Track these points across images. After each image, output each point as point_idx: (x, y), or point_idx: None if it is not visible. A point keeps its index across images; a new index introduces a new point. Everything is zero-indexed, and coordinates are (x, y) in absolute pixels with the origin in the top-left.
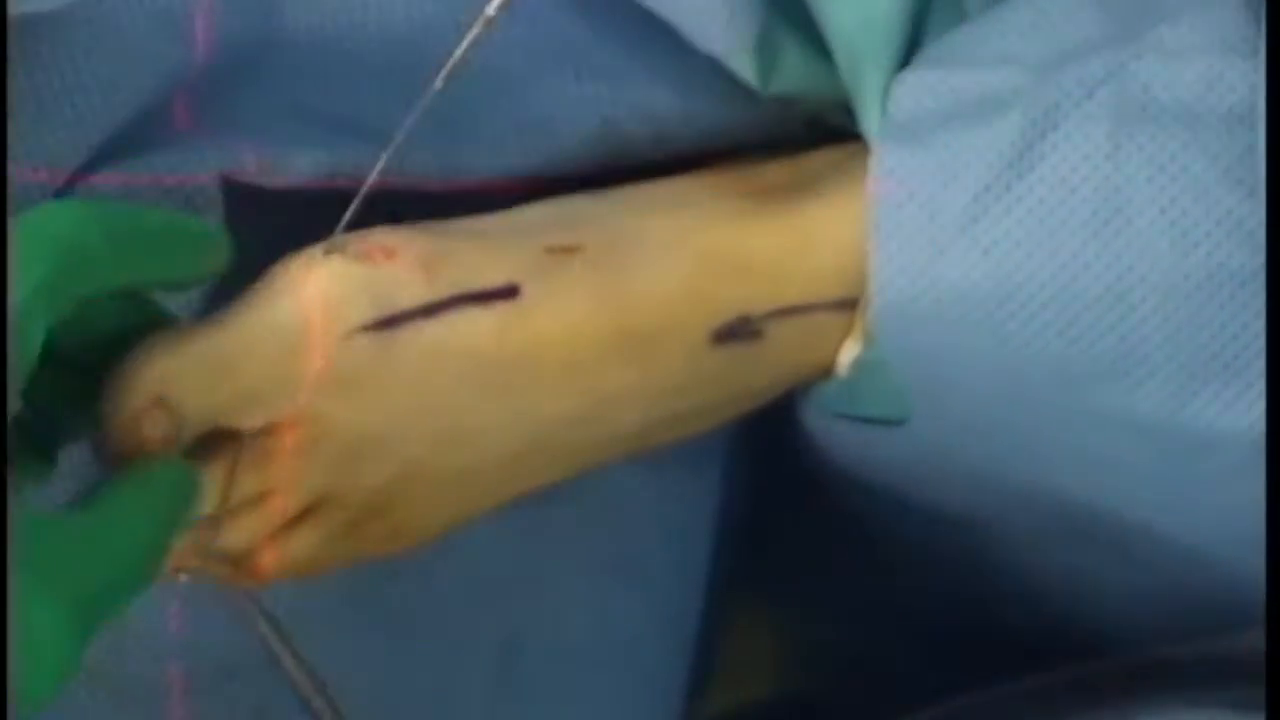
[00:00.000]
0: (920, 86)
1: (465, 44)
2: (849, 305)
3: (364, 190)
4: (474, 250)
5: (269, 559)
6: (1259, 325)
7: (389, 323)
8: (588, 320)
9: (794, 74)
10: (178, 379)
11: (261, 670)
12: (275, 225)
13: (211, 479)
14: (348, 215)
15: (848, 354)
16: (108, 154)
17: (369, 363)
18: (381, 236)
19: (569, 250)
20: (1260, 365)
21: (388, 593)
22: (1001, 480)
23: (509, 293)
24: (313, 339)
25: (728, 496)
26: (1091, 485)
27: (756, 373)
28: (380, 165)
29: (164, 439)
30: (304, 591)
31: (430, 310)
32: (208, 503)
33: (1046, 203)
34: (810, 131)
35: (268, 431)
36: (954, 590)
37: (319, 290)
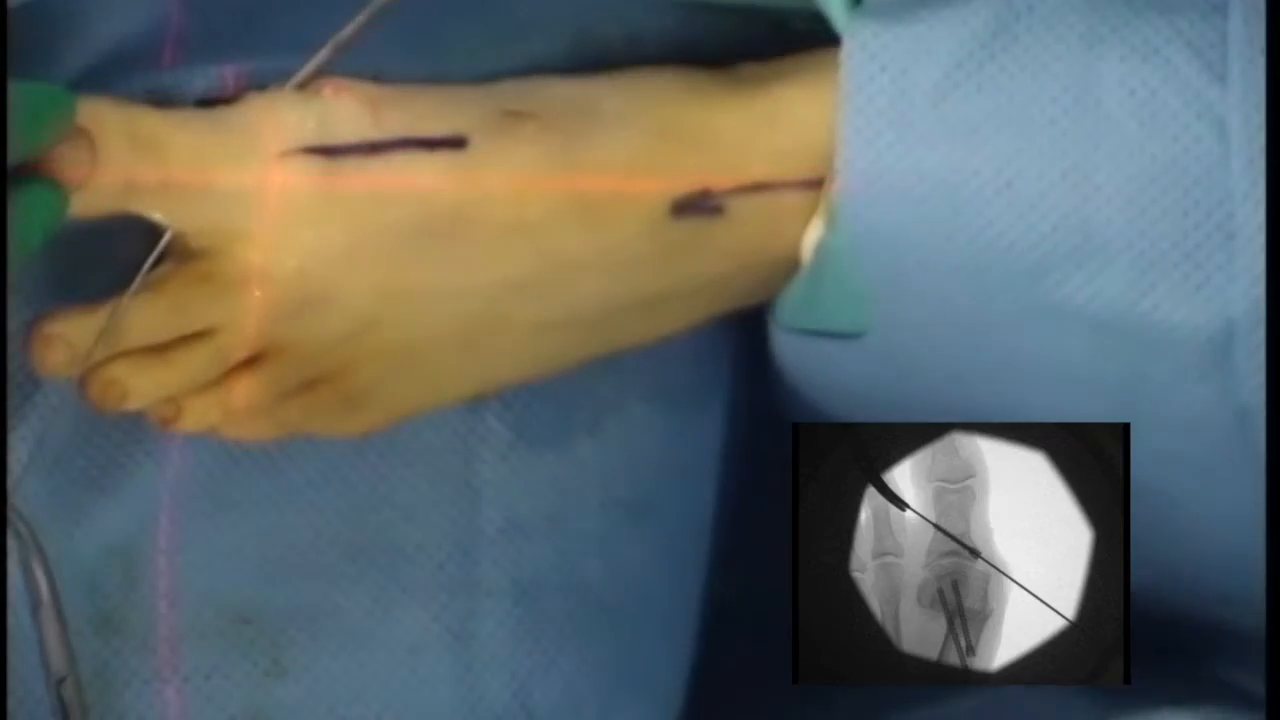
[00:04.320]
0: None
1: None
2: (815, 185)
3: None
4: (425, 101)
5: (213, 403)
6: (1221, 214)
7: (331, 151)
8: (538, 179)
9: None
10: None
11: (280, 617)
12: None
13: (159, 307)
14: (301, 76)
15: (811, 236)
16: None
17: (310, 190)
18: (335, 79)
19: (524, 115)
20: (1220, 258)
21: (404, 534)
22: (960, 399)
23: (456, 142)
24: (253, 149)
25: (731, 434)
26: (1046, 398)
27: (719, 252)
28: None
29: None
30: (320, 535)
31: (374, 148)
32: (157, 331)
33: (1017, 80)
34: (778, 38)
35: (212, 255)
36: None
37: (264, 110)
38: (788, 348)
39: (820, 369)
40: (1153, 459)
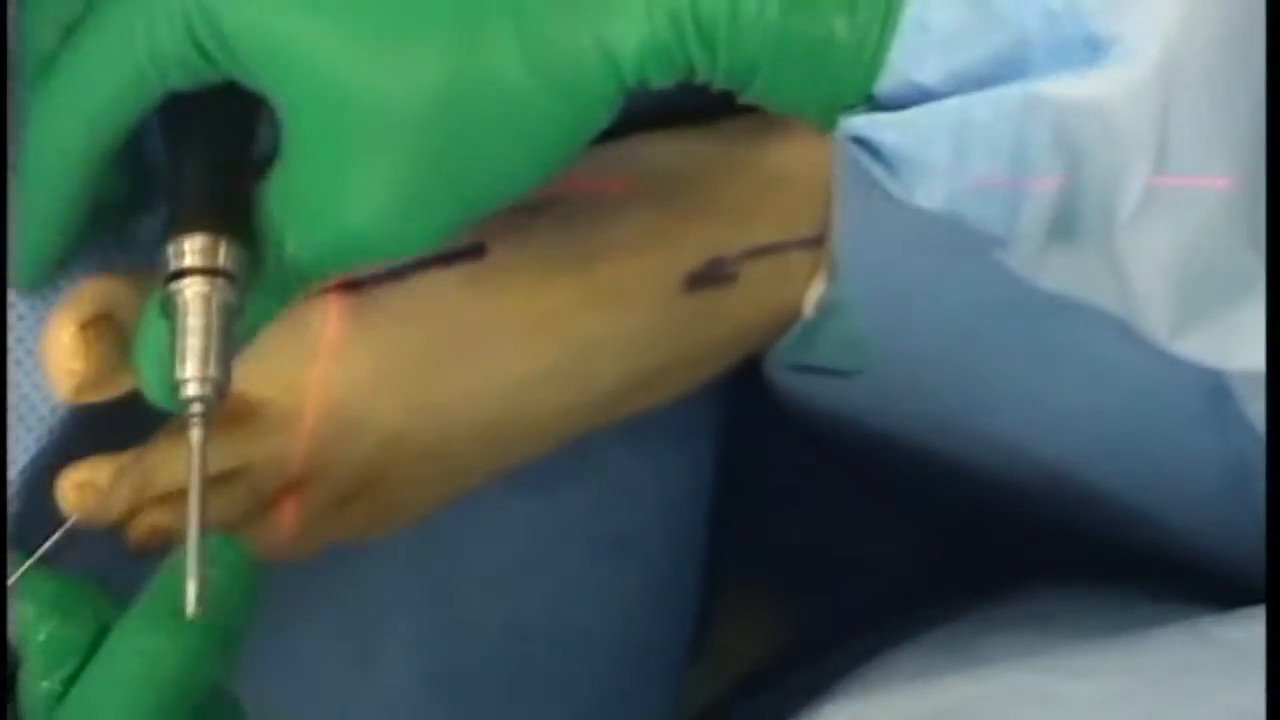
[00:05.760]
0: None
1: None
2: (818, 243)
3: None
4: None
5: (249, 535)
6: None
7: (354, 286)
8: (555, 273)
9: None
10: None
11: (260, 666)
12: None
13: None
14: None
15: (814, 291)
16: None
17: (338, 328)
18: None
19: (531, 209)
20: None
21: (387, 578)
22: (954, 433)
23: (475, 252)
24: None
25: (716, 471)
26: (1042, 436)
27: (732, 317)
28: None
29: None
30: (304, 582)
31: (396, 274)
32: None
33: None
34: None
35: (249, 406)
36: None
37: None
38: (779, 381)
39: (812, 401)
40: (1150, 495)
